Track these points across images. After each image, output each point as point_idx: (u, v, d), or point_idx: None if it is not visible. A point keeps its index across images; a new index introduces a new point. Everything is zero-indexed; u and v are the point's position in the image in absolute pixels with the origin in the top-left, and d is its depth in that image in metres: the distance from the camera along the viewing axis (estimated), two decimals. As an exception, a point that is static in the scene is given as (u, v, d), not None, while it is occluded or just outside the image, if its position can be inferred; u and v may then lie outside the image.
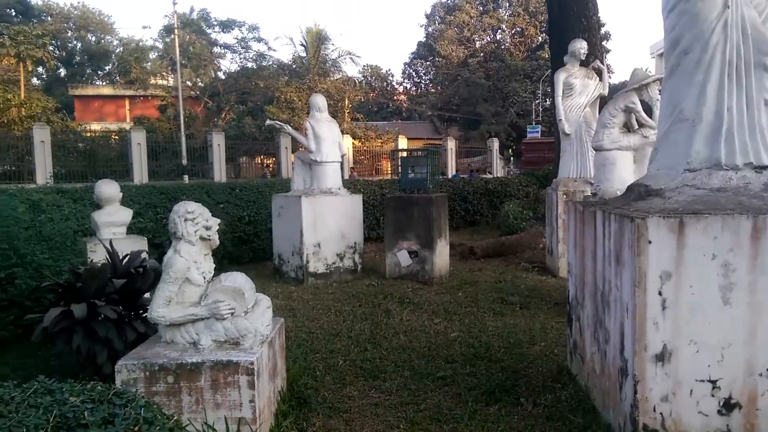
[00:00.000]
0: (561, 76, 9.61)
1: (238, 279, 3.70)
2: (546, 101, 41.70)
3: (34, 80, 43.11)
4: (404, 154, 10.04)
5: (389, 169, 25.71)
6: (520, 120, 42.95)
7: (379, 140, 30.93)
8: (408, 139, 29.22)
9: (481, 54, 46.66)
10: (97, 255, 6.08)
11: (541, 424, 3.84)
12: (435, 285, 8.46)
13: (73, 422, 1.78)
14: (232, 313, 3.50)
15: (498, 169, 28.58)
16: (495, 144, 29.26)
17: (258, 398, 3.27)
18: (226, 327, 3.47)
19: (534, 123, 38.67)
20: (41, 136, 17.71)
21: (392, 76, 55.76)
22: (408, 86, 54.77)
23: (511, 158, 43.90)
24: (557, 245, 9.11)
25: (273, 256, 9.73)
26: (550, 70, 18.01)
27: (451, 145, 26.89)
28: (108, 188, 6.53)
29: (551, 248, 9.55)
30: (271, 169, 26.04)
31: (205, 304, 3.50)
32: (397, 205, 9.14)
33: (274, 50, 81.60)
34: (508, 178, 19.03)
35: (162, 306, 3.47)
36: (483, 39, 48.59)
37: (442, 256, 9.06)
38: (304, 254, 8.90)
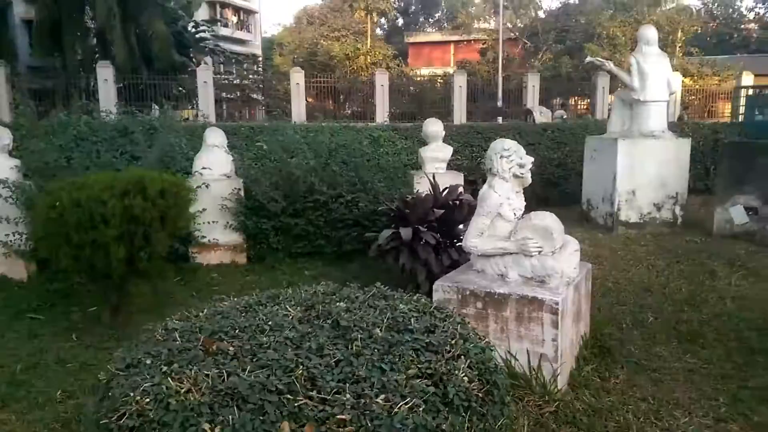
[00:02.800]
0: None
1: (548, 219, 3.72)
2: None
3: (378, 31, 48.77)
4: (750, 92, 8.43)
5: (726, 110, 21.94)
6: None
7: (716, 77, 26.47)
8: (755, 75, 24.27)
9: None
10: (422, 186, 6.79)
11: None
12: (779, 250, 7.11)
13: (401, 326, 2.10)
14: (539, 252, 3.57)
15: None
16: None
17: (560, 338, 3.32)
18: (533, 264, 3.56)
19: None
20: (381, 81, 20.07)
21: (740, 0, 46.36)
22: (762, 12, 44.94)
23: None
24: None
25: (581, 200, 9.43)
26: None
27: (821, 81, 21.44)
28: (434, 127, 7.16)
29: None
30: (586, 110, 24.78)
31: (515, 240, 3.64)
32: (736, 153, 7.83)
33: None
34: None
35: (475, 237, 3.74)
36: None
37: (793, 216, 7.51)
38: (615, 201, 8.40)
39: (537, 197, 10.73)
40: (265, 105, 24.66)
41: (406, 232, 5.24)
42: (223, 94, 24.12)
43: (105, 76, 16.89)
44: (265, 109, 24.70)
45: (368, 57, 31.08)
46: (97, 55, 24.03)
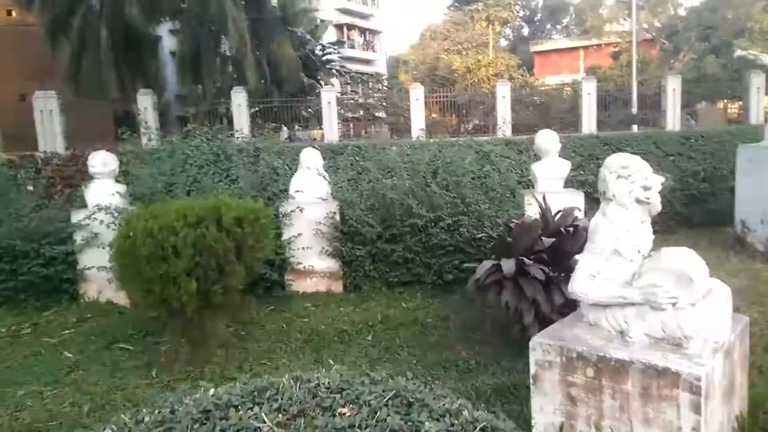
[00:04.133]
0: None
1: (685, 258, 2.83)
2: None
3: (502, 41, 47.49)
4: None
5: None
6: None
7: None
8: None
9: None
10: (533, 208, 5.97)
11: None
12: None
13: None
14: (673, 303, 2.69)
15: None
16: None
17: (704, 426, 2.43)
18: (665, 320, 2.69)
19: None
20: (503, 92, 19.13)
21: None
22: None
23: None
24: None
25: (734, 221, 7.96)
26: None
27: None
28: (547, 139, 6.30)
29: None
30: (737, 115, 21.87)
31: (639, 286, 2.79)
32: None
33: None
34: None
35: (584, 280, 2.93)
36: None
37: None
38: (781, 223, 6.94)
39: (678, 217, 9.33)
40: (389, 123, 24.71)
41: (507, 265, 4.49)
42: (348, 114, 24.57)
43: (238, 101, 17.65)
44: (388, 126, 24.77)
45: (490, 68, 30.13)
46: (234, 82, 25.62)
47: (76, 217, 6.26)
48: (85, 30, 21.31)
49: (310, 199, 6.53)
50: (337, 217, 6.44)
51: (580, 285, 2.95)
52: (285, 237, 6.40)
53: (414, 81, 30.95)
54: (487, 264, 4.68)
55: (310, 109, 25.30)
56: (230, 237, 4.31)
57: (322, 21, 33.20)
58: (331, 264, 6.51)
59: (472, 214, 6.12)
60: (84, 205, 6.48)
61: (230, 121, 19.78)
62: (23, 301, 6.10)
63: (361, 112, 26.10)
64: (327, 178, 6.64)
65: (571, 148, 8.75)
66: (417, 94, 18.97)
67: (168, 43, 29.52)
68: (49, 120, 15.44)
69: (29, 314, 5.95)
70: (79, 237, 6.23)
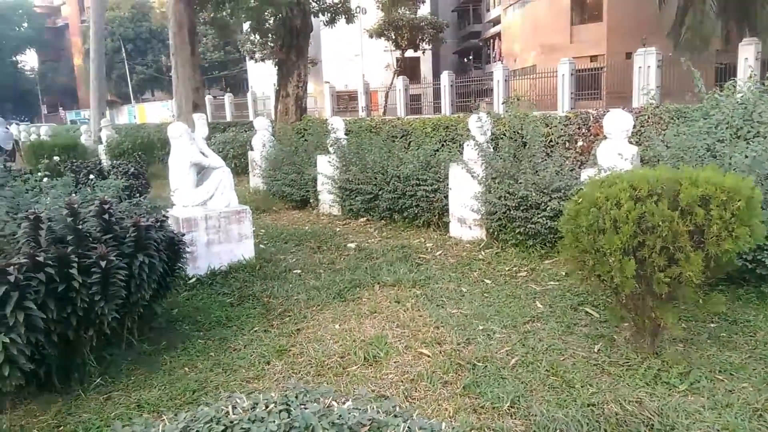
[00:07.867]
0: None
1: None
2: None
3: None
4: None
5: None
6: None
7: None
8: None
9: None
10: None
11: None
12: None
13: None
14: None
15: None
16: None
17: None
18: None
19: None
20: None
21: None
22: None
23: None
24: None
25: None
26: None
27: None
28: None
29: None
30: None
31: None
32: None
33: None
34: None
35: None
36: None
37: None
38: None
39: None
40: None
41: None
42: None
43: None
44: None
45: None
46: None
47: (583, 175, 6.38)
48: (695, -21, 20.55)
49: None
50: None
51: None
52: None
53: None
54: None
55: None
56: (687, 219, 3.55)
57: None
58: None
59: None
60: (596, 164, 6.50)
61: None
62: (530, 247, 6.76)
63: None
64: None
65: None
66: None
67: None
68: (645, 76, 15.78)
69: (531, 259, 6.57)
70: (584, 196, 6.34)
